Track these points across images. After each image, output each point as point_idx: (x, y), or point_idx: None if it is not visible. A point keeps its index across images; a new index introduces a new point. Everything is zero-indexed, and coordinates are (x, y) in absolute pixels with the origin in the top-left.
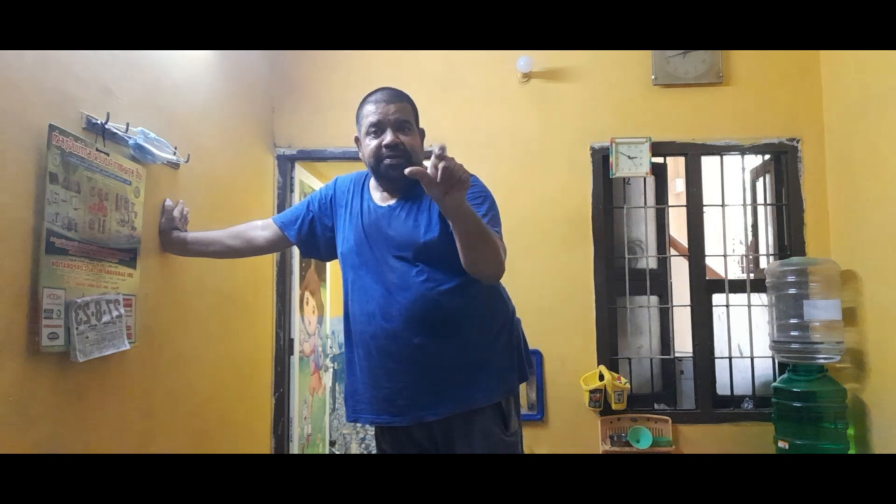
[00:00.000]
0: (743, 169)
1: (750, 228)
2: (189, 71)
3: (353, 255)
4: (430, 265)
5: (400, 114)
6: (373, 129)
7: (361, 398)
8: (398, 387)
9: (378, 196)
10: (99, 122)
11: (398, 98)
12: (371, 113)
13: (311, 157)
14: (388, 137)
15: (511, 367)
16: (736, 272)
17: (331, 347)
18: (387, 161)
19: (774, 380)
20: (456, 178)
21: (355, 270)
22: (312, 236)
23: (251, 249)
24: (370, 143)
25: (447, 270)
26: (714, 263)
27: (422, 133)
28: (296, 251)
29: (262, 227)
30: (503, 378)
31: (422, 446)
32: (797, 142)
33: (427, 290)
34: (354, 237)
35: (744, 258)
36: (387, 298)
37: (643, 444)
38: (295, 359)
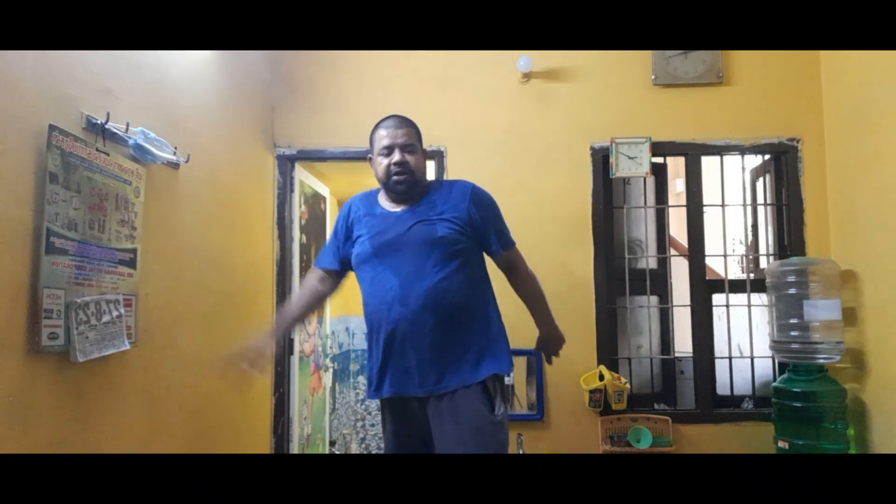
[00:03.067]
0: (743, 169)
1: (750, 228)
2: (189, 71)
3: (370, 255)
4: (442, 259)
5: (406, 138)
6: (384, 151)
7: (381, 376)
8: (413, 363)
9: (390, 204)
10: (99, 122)
11: (405, 124)
12: (383, 137)
13: (311, 157)
14: (396, 157)
15: (504, 351)
16: (736, 272)
17: (331, 347)
18: (395, 177)
19: (774, 380)
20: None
21: (374, 268)
22: (348, 259)
23: (325, 300)
24: (382, 162)
25: (457, 263)
26: (714, 263)
27: (425, 153)
28: (296, 251)
29: (320, 280)
30: (498, 359)
31: (418, 419)
32: (797, 142)
33: (440, 280)
34: (370, 240)
35: (744, 258)
36: (404, 288)
37: (643, 444)
38: (295, 359)
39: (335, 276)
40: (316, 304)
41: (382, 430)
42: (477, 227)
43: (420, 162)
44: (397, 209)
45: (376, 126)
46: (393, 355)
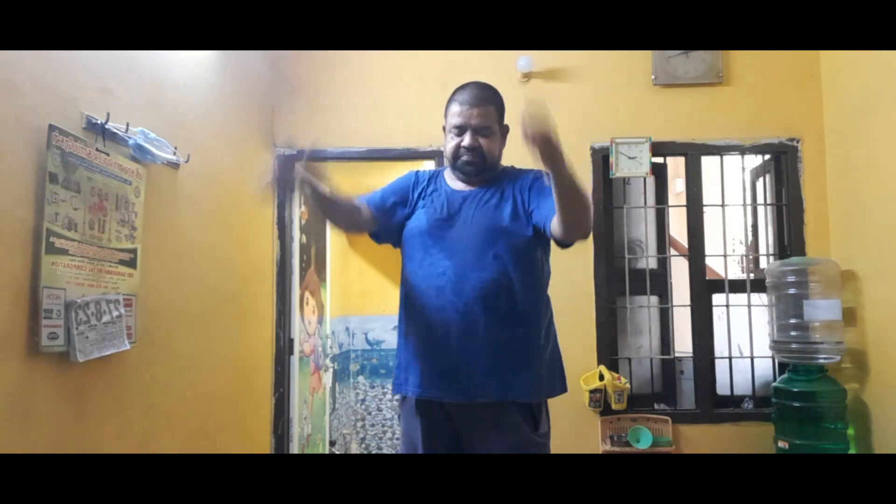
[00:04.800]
0: (743, 169)
1: (750, 228)
2: (189, 71)
3: (423, 234)
4: (507, 250)
5: (482, 119)
6: (455, 130)
7: (413, 371)
8: (456, 363)
9: (456, 183)
10: (99, 122)
11: (482, 102)
12: (455, 115)
13: (311, 157)
14: (466, 140)
15: (555, 370)
16: (736, 272)
17: (331, 347)
18: (463, 159)
19: (774, 380)
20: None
21: (425, 248)
22: (389, 220)
23: (359, 223)
24: (451, 141)
25: (521, 259)
26: (714, 263)
27: (505, 129)
28: (296, 251)
29: (359, 209)
30: (549, 378)
31: (453, 428)
32: (797, 142)
33: (501, 274)
34: (427, 218)
35: (744, 258)
36: (459, 276)
37: (643, 444)
38: (295, 359)
39: (371, 216)
40: (348, 208)
41: (403, 435)
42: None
43: (495, 145)
44: (464, 189)
45: (452, 95)
46: (432, 349)
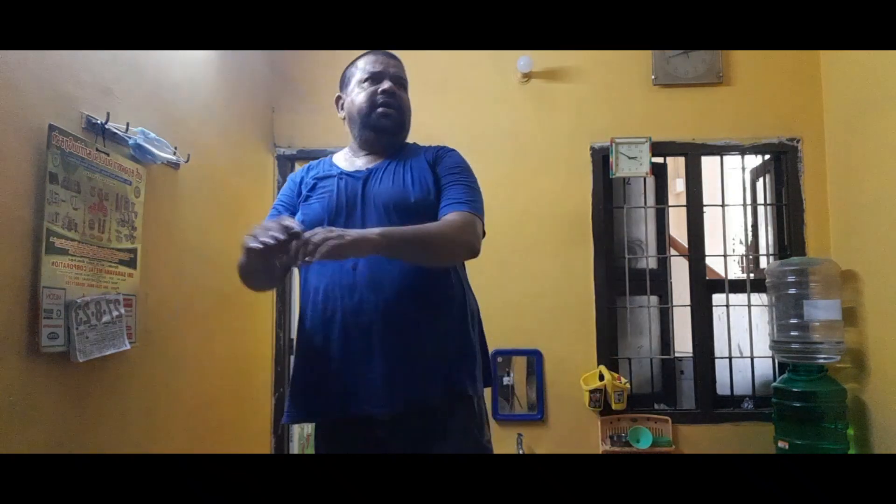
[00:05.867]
0: (743, 169)
1: (750, 228)
2: (189, 71)
3: (319, 223)
4: None
5: (399, 69)
6: (368, 77)
7: (325, 390)
8: (380, 371)
9: (355, 162)
10: (99, 122)
11: (396, 58)
12: (370, 63)
13: (311, 157)
14: (385, 84)
15: (484, 361)
16: (736, 272)
17: None
18: (381, 109)
19: (774, 380)
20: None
21: None
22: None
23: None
24: (365, 90)
25: None
26: (714, 263)
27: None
28: None
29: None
30: (483, 370)
31: (385, 448)
32: (797, 142)
33: None
34: (322, 207)
35: (744, 258)
36: (372, 268)
37: (643, 444)
38: None
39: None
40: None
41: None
42: (438, 187)
43: (408, 105)
44: (361, 168)
45: (357, 58)
46: (350, 360)
